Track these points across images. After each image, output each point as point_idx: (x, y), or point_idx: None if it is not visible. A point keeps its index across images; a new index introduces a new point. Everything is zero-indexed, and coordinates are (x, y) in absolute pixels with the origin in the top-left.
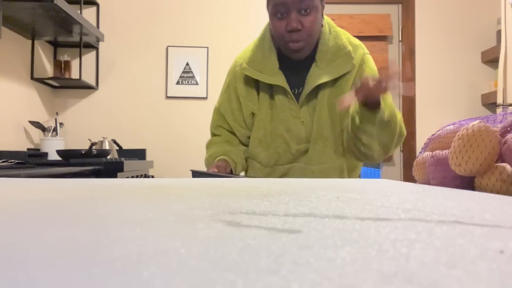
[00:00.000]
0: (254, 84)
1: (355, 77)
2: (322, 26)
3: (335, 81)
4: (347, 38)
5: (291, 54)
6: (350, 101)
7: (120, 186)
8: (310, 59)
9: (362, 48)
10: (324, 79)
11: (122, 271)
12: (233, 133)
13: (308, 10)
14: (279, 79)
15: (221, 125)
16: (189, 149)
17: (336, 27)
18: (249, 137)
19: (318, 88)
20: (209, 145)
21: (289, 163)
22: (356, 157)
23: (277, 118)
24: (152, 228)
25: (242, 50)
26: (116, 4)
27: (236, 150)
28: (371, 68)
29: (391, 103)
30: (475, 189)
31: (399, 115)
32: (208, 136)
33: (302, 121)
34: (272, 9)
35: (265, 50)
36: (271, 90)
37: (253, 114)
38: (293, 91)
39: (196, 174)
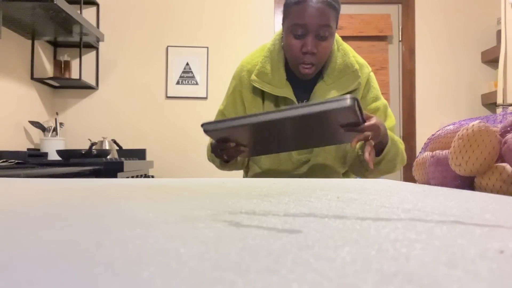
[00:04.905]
0: (260, 92)
1: (362, 93)
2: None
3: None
4: (353, 56)
5: (299, 75)
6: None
7: (120, 186)
8: (318, 74)
9: (367, 68)
10: (331, 94)
11: (122, 271)
12: None
13: (326, 36)
14: (287, 91)
15: None
16: (189, 149)
17: (344, 44)
18: None
19: None
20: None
21: (289, 171)
22: (357, 175)
23: None
24: (152, 228)
25: (249, 54)
26: (116, 4)
27: None
28: (375, 87)
29: (393, 137)
30: (475, 189)
31: (401, 146)
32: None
33: None
34: (290, 27)
35: (274, 61)
36: (277, 100)
37: None
38: (299, 102)
39: (207, 125)
